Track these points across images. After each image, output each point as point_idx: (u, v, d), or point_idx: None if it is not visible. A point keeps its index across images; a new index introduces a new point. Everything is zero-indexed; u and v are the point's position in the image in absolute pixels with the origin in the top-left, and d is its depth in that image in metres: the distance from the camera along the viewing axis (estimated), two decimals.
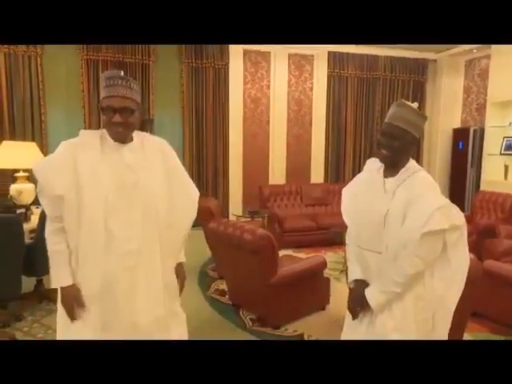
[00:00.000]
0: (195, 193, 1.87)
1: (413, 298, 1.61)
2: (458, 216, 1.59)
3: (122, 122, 1.57)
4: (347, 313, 1.86)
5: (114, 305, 1.62)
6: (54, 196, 1.55)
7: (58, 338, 1.72)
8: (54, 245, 1.63)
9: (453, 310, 1.65)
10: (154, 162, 1.71)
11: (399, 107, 1.65)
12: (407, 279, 1.58)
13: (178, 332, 1.83)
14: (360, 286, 1.73)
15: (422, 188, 1.59)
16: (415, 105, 1.67)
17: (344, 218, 1.84)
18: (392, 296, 1.61)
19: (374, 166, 1.78)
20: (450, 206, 1.58)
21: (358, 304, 1.73)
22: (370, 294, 1.66)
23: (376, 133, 7.02)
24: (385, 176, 1.70)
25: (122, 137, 1.63)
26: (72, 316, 1.62)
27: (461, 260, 1.61)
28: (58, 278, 1.63)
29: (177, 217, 1.75)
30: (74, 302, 1.61)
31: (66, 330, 1.68)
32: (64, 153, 1.58)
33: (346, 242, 1.86)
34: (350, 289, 1.83)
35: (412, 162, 1.68)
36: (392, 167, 1.68)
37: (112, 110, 1.56)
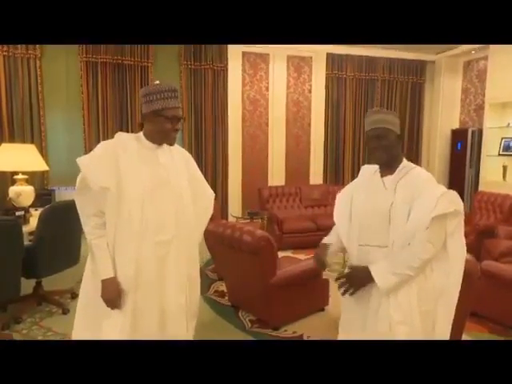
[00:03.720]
0: (211, 194, 2.13)
1: (417, 291, 1.65)
2: (458, 202, 1.68)
3: (178, 129, 1.82)
4: (345, 306, 1.88)
5: (145, 291, 1.76)
6: (100, 188, 1.70)
7: (75, 329, 1.87)
8: (97, 238, 1.76)
9: (454, 303, 1.67)
10: (180, 165, 1.92)
11: (375, 113, 1.78)
12: (421, 264, 1.63)
13: (192, 325, 2.00)
14: (358, 266, 1.75)
15: (422, 182, 1.68)
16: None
17: (335, 220, 1.93)
18: (404, 279, 1.62)
19: (368, 171, 1.88)
20: (450, 192, 1.67)
21: (359, 283, 1.73)
22: (380, 275, 1.65)
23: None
24: (382, 176, 1.79)
25: (174, 141, 1.87)
26: (113, 306, 1.74)
27: (457, 249, 1.66)
28: (103, 270, 1.75)
29: (197, 215, 1.97)
30: (116, 293, 1.73)
31: (87, 322, 1.83)
32: (106, 151, 1.76)
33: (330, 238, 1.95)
34: (348, 273, 1.81)
35: (405, 162, 1.79)
36: (388, 167, 1.77)
37: (177, 119, 1.80)
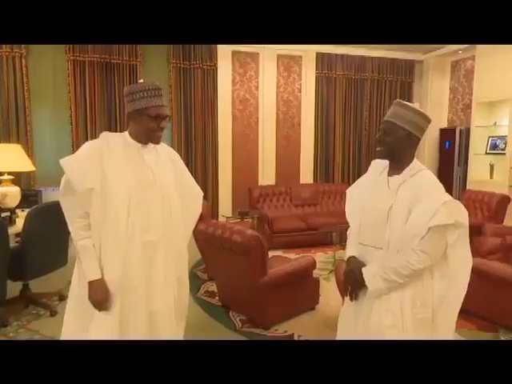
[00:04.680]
0: (200, 193, 2.12)
1: (411, 297, 1.61)
2: (461, 212, 1.61)
3: (163, 127, 1.80)
4: (344, 305, 1.87)
5: (133, 292, 1.75)
6: (85, 189, 1.68)
7: (63, 332, 1.85)
8: (83, 240, 1.74)
9: (457, 310, 1.66)
10: (166, 165, 1.91)
11: (395, 106, 1.71)
12: (412, 273, 1.59)
13: (181, 325, 2.00)
14: (356, 265, 1.74)
15: (426, 186, 1.62)
16: (416, 105, 1.71)
17: (347, 217, 1.88)
18: (393, 285, 1.60)
19: (378, 167, 1.82)
20: (454, 202, 1.61)
21: (355, 284, 1.72)
22: (370, 278, 1.66)
23: (364, 132, 7.09)
24: (389, 175, 1.73)
25: (159, 140, 1.85)
26: (101, 308, 1.72)
27: (460, 259, 1.62)
28: (90, 271, 1.73)
29: (185, 214, 1.96)
30: (103, 294, 1.71)
31: (76, 323, 1.80)
32: (90, 151, 1.74)
33: (348, 236, 1.89)
34: (345, 271, 1.82)
35: (416, 162, 1.71)
36: (395, 166, 1.71)
37: (161, 118, 1.77)
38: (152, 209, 1.80)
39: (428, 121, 1.72)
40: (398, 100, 1.74)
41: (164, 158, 1.92)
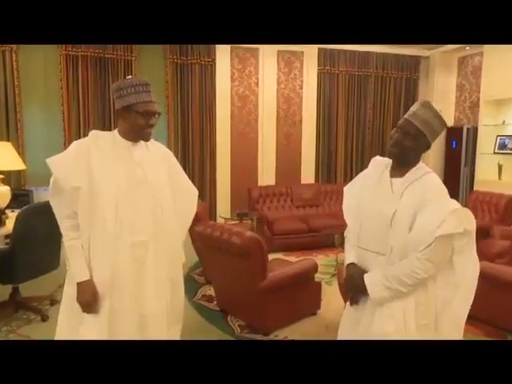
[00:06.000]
0: (195, 192, 2.10)
1: (415, 302, 1.58)
2: (470, 220, 1.55)
3: (153, 124, 1.79)
4: (345, 310, 1.84)
5: (122, 294, 1.73)
6: (71, 188, 1.68)
7: (57, 333, 1.83)
8: (71, 240, 1.74)
9: (463, 317, 1.62)
10: (158, 163, 1.89)
11: (423, 107, 1.61)
12: (417, 282, 1.55)
13: (177, 329, 1.98)
14: (357, 271, 1.70)
15: (433, 191, 1.57)
16: (438, 107, 1.63)
17: (345, 216, 1.82)
18: (396, 293, 1.57)
19: (379, 165, 1.76)
20: (462, 210, 1.55)
21: (356, 291, 1.70)
22: (372, 286, 1.62)
23: (368, 131, 6.99)
24: (392, 176, 1.67)
25: (149, 137, 1.84)
26: (89, 309, 1.71)
27: (466, 266, 1.58)
28: (78, 273, 1.73)
29: (180, 214, 1.95)
30: (92, 296, 1.70)
31: (69, 326, 1.78)
32: (78, 149, 1.74)
33: (345, 237, 1.82)
34: (346, 277, 1.78)
35: (421, 164, 1.66)
36: (400, 167, 1.65)
37: (150, 114, 1.76)
38: (142, 207, 1.78)
39: (444, 128, 1.67)
40: (426, 100, 1.65)
41: (156, 156, 1.90)
